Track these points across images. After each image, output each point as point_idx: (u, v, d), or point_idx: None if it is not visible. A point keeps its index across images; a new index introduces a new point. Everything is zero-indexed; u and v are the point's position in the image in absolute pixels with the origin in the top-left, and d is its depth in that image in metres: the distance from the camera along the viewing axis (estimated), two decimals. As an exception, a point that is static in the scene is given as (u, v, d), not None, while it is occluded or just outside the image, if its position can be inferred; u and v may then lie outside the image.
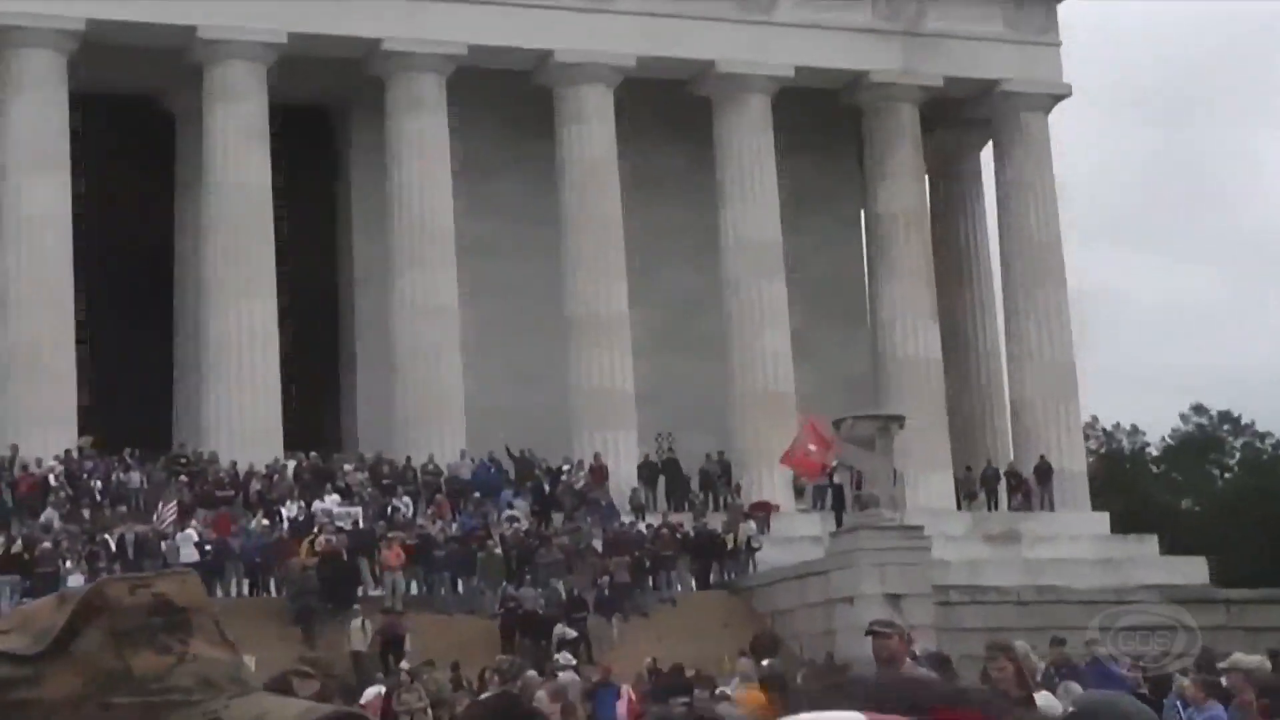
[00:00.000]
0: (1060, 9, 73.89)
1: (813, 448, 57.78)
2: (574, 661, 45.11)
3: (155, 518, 56.92)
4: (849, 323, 73.78)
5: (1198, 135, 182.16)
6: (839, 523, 57.23)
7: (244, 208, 64.58)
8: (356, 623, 50.16)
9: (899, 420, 55.75)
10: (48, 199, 63.25)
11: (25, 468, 59.43)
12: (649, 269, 68.65)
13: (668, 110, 70.10)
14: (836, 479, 60.26)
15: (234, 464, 61.25)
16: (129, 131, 69.00)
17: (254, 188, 64.82)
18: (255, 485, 60.51)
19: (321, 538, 55.96)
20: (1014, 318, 73.37)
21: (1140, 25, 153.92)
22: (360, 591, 54.87)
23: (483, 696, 26.21)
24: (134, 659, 1.67)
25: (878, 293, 72.68)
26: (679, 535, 60.31)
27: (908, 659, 21.39)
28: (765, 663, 46.08)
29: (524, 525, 59.68)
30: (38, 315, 62.44)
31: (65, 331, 63.04)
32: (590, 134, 67.96)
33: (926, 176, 74.54)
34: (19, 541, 54.53)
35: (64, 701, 1.66)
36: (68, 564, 53.14)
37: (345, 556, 55.14)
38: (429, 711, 34.20)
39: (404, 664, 42.60)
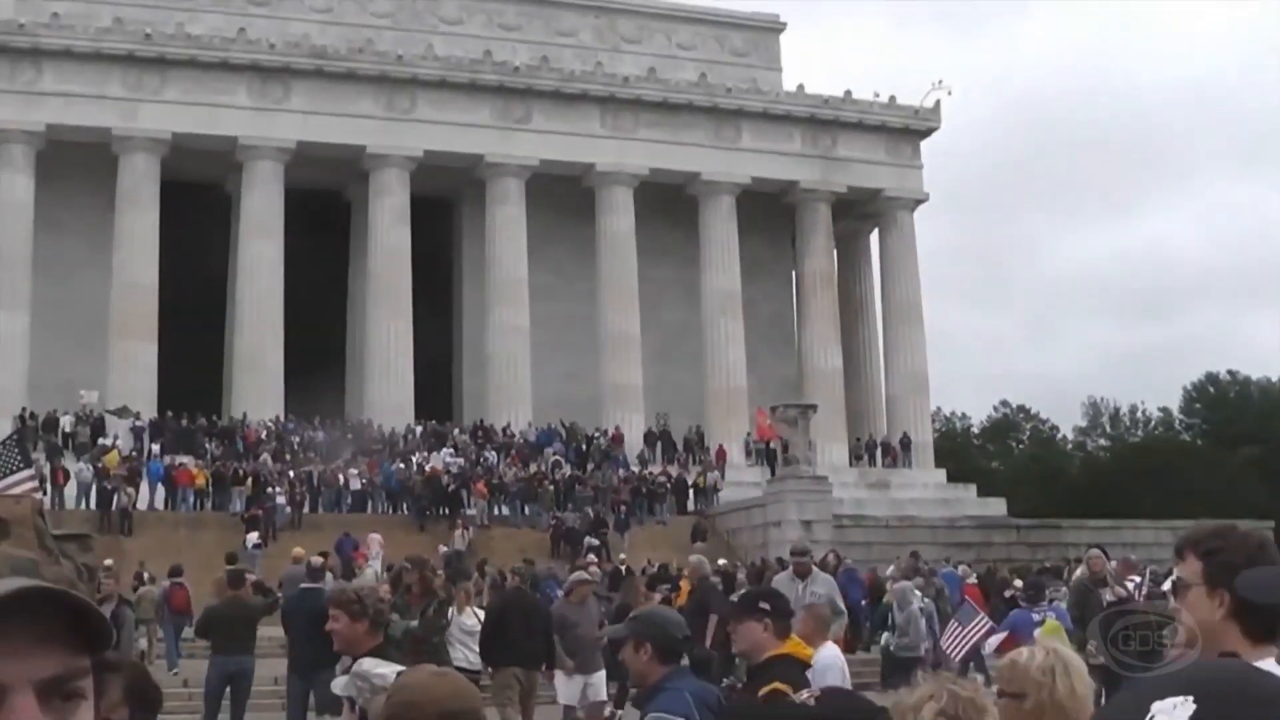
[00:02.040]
0: (923, 144, 75.96)
1: (763, 424, 61.20)
2: (596, 560, 45.33)
3: (329, 461, 59.36)
4: (783, 345, 75.75)
5: (1001, 220, 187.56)
6: (773, 474, 59.24)
7: (391, 263, 66.84)
8: (458, 532, 52.41)
9: (813, 408, 57.48)
10: (266, 255, 65.55)
11: (249, 427, 61.78)
12: (653, 307, 70.54)
13: (668, 204, 72.00)
14: (772, 445, 61.70)
15: (381, 427, 63.29)
16: (319, 213, 70.34)
17: (398, 250, 66.95)
18: (396, 442, 62.28)
19: (428, 466, 59.00)
20: (889, 343, 75.78)
21: (974, 148, 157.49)
22: (461, 511, 56.62)
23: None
24: None
25: (803, 326, 74.76)
26: (668, 479, 62.37)
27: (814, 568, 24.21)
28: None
29: (567, 471, 61.53)
30: (257, 329, 64.80)
31: (275, 339, 64.84)
32: (618, 220, 70.22)
33: (835, 250, 76.29)
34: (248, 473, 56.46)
35: None
36: (276, 489, 55.40)
37: (444, 482, 57.41)
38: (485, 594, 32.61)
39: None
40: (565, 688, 21.57)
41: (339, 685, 6.87)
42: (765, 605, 8.83)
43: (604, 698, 22.52)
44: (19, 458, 29.43)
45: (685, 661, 9.03)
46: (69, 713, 1.73)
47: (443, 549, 51.19)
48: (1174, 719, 1.68)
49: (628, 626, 8.32)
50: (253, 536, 50.42)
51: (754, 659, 8.79)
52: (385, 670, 6.48)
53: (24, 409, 60.54)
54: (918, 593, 30.43)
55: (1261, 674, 1.87)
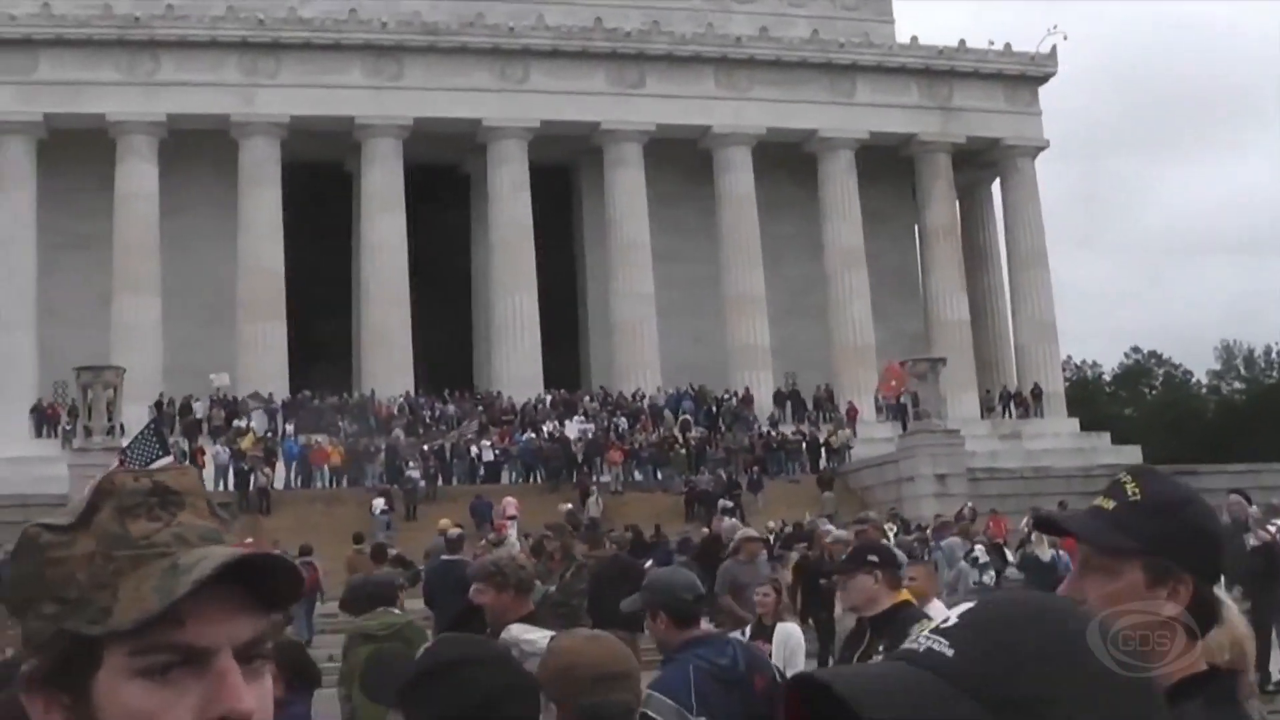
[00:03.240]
0: (1041, 90, 75.20)
1: (893, 381, 61.09)
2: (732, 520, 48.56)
3: (459, 434, 59.85)
4: (908, 298, 75.02)
5: (1117, 166, 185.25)
6: (905, 428, 58.18)
7: (513, 234, 66.76)
8: (592, 498, 52.22)
9: (942, 361, 57.54)
10: (388, 231, 65.84)
11: (380, 403, 62.24)
12: (776, 265, 70.14)
13: (786, 160, 71.34)
14: (902, 400, 60.22)
15: (511, 398, 63.29)
16: (439, 187, 70.92)
17: (519, 221, 66.94)
18: (526, 412, 62.30)
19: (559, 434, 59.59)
20: (1016, 292, 74.86)
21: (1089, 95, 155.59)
22: (595, 478, 56.92)
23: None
24: (132, 525, 1.75)
25: (927, 278, 74.20)
26: (801, 438, 62.32)
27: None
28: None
29: (699, 434, 61.44)
30: (383, 306, 65.05)
31: (402, 315, 65.14)
32: (736, 179, 69.66)
33: (956, 201, 75.61)
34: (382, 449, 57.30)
35: (84, 556, 1.74)
36: (409, 462, 55.77)
37: (574, 449, 58.13)
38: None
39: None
40: None
41: None
42: (874, 558, 8.90)
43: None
44: (158, 446, 29.80)
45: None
46: (257, 674, 1.80)
47: (563, 507, 51.90)
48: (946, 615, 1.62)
49: (640, 597, 8.09)
50: (379, 502, 51.23)
51: (869, 611, 8.83)
52: (534, 636, 6.55)
53: (161, 394, 61.33)
54: (968, 547, 29.94)
55: (1052, 597, 1.89)
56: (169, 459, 25.90)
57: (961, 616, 1.68)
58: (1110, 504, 3.31)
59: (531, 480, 57.43)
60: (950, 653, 1.64)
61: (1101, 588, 3.23)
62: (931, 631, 1.69)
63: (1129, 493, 3.31)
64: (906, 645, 1.68)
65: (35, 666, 1.79)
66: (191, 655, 1.74)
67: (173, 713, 1.72)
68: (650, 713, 7.00)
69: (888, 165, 74.10)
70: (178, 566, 1.75)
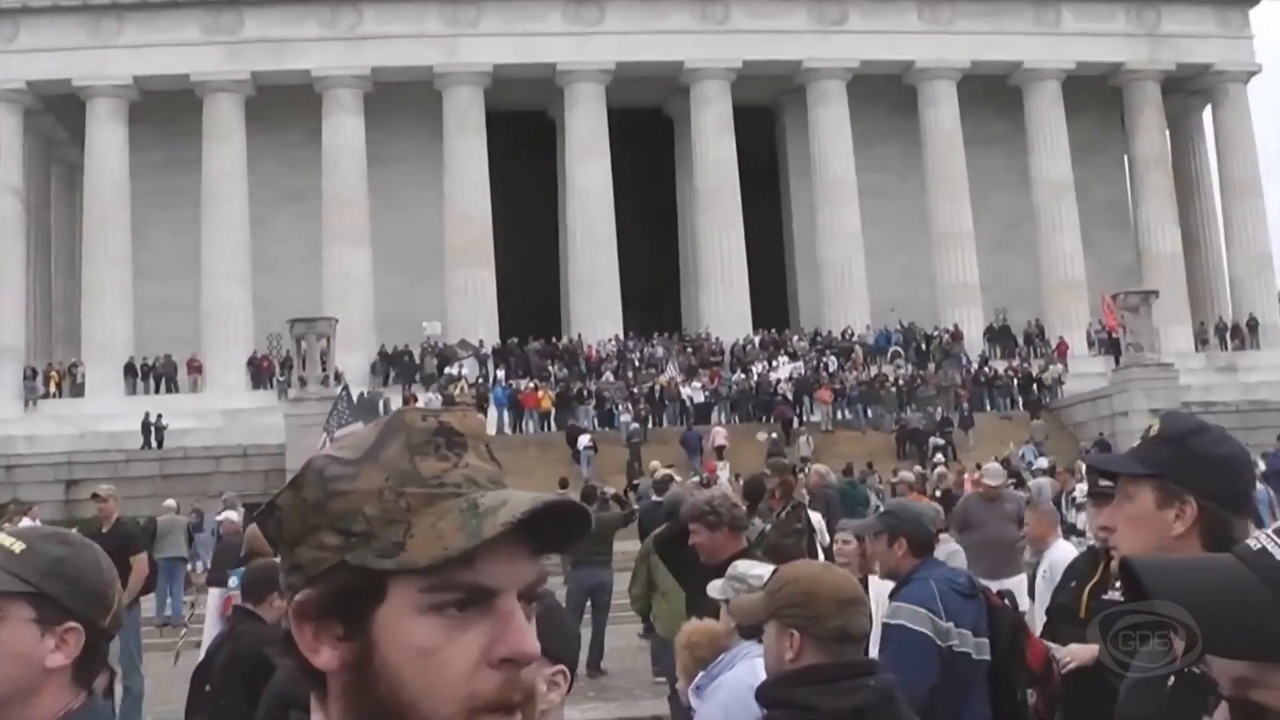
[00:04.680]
0: (1251, 12, 73.02)
1: (1108, 314, 60.07)
2: (944, 460, 46.74)
3: (666, 375, 60.02)
4: (1119, 230, 73.20)
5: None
6: (1117, 363, 57.49)
7: (718, 175, 66.35)
8: (803, 439, 52.02)
9: (1155, 294, 56.49)
10: (593, 176, 65.64)
11: (589, 347, 62.54)
12: (983, 198, 68.97)
13: (991, 93, 70.36)
14: (1114, 334, 60.23)
15: (719, 339, 63.20)
16: (642, 130, 71.02)
17: (723, 161, 66.38)
18: (735, 352, 62.38)
19: (769, 375, 59.69)
20: (1229, 222, 72.87)
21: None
22: (804, 418, 57.17)
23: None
24: (421, 463, 1.77)
25: (1138, 210, 72.32)
26: (1012, 374, 61.75)
27: None
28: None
29: (908, 371, 61.35)
30: (589, 250, 65.04)
31: (609, 259, 65.07)
32: (941, 114, 68.68)
33: (1167, 130, 73.59)
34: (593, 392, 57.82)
35: (372, 490, 1.76)
36: (618, 406, 56.34)
37: (782, 389, 58.21)
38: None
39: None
40: None
41: (715, 589, 6.74)
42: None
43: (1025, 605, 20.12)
44: (347, 411, 30.33)
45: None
46: (530, 614, 1.81)
47: (761, 436, 52.07)
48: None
49: (880, 521, 8.44)
50: (584, 439, 52.09)
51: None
52: (761, 571, 6.31)
53: (381, 346, 62.72)
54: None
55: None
56: (357, 425, 26.29)
57: None
58: (1139, 440, 3.84)
59: (741, 421, 57.12)
60: None
61: (1124, 512, 3.72)
62: (1275, 531, 1.64)
63: (1152, 429, 3.85)
64: (1244, 542, 1.66)
65: (309, 595, 1.80)
66: (479, 595, 1.76)
67: (458, 651, 1.74)
68: (902, 621, 7.43)
69: (1095, 95, 72.52)
70: (479, 507, 1.76)
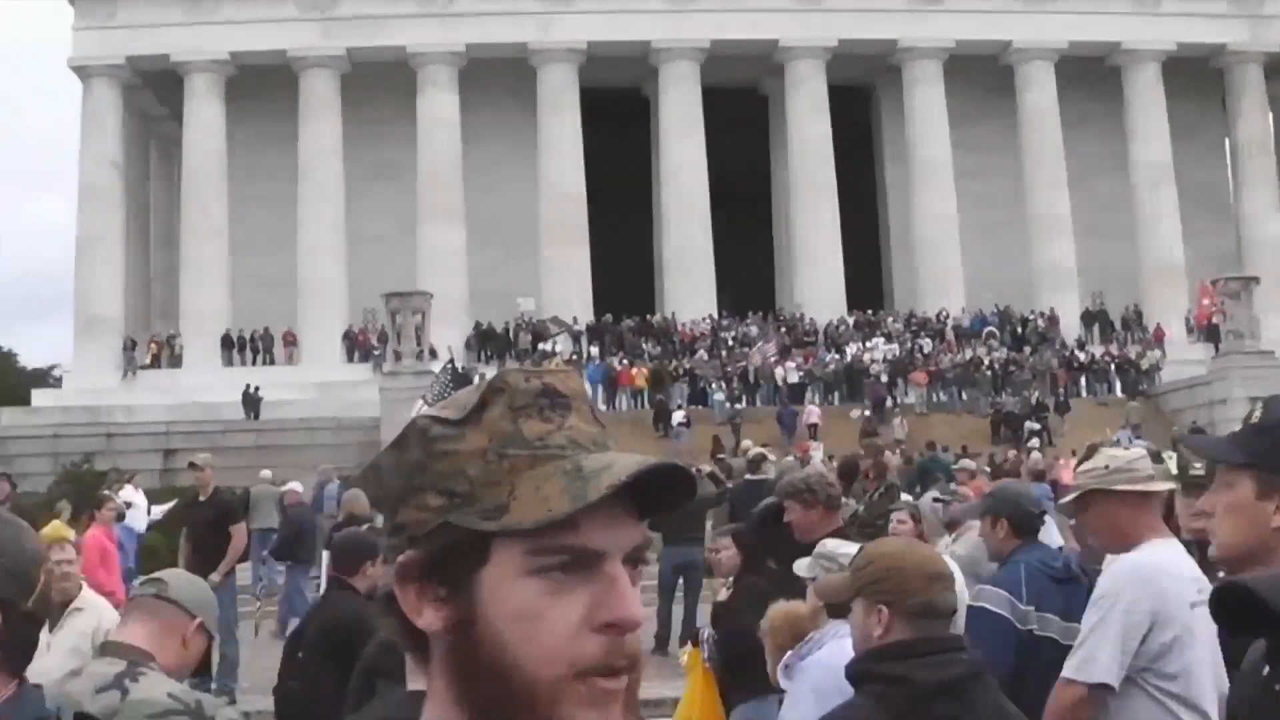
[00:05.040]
0: None
1: (1205, 301, 59.49)
2: (1038, 444, 46.39)
3: (759, 355, 59.35)
4: (1218, 215, 72.16)
5: None
6: (1217, 350, 56.56)
7: (812, 154, 66.08)
8: (897, 421, 51.95)
9: (1255, 280, 55.86)
10: (687, 154, 65.58)
11: (682, 325, 62.46)
12: (1080, 182, 68.01)
13: (1089, 75, 69.61)
14: (1213, 320, 58.95)
15: (813, 319, 63.10)
16: (737, 108, 70.50)
17: (818, 141, 66.12)
18: (828, 333, 62.12)
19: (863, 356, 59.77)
20: None
21: None
22: (898, 400, 56.96)
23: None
24: (525, 425, 1.76)
25: (1239, 194, 71.51)
26: (1109, 360, 61.25)
27: None
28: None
29: (1003, 354, 60.50)
30: (684, 228, 65.06)
31: (703, 237, 65.08)
32: (1039, 95, 67.95)
33: (1270, 112, 72.59)
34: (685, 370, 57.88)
35: (475, 451, 1.76)
36: (711, 384, 56.43)
37: (876, 371, 57.97)
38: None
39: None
40: None
41: (802, 567, 6.70)
42: None
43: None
44: (451, 384, 30.31)
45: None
46: (635, 580, 1.81)
47: (855, 413, 51.85)
48: None
49: (983, 503, 8.67)
50: (678, 415, 52.37)
51: None
52: (849, 549, 6.16)
53: (475, 322, 63.19)
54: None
55: None
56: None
57: None
58: (1239, 426, 3.70)
59: (835, 402, 56.96)
60: None
61: (1221, 499, 3.58)
62: None
63: (1253, 415, 3.69)
64: None
65: (412, 557, 1.79)
66: (583, 559, 1.74)
67: (562, 614, 1.73)
68: (983, 604, 7.42)
69: (1196, 77, 71.58)
70: (582, 470, 1.74)
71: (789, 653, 6.51)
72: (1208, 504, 3.67)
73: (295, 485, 30.18)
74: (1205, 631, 5.82)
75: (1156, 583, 6.11)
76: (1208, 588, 5.17)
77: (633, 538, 1.79)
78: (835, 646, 5.95)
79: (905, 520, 14.07)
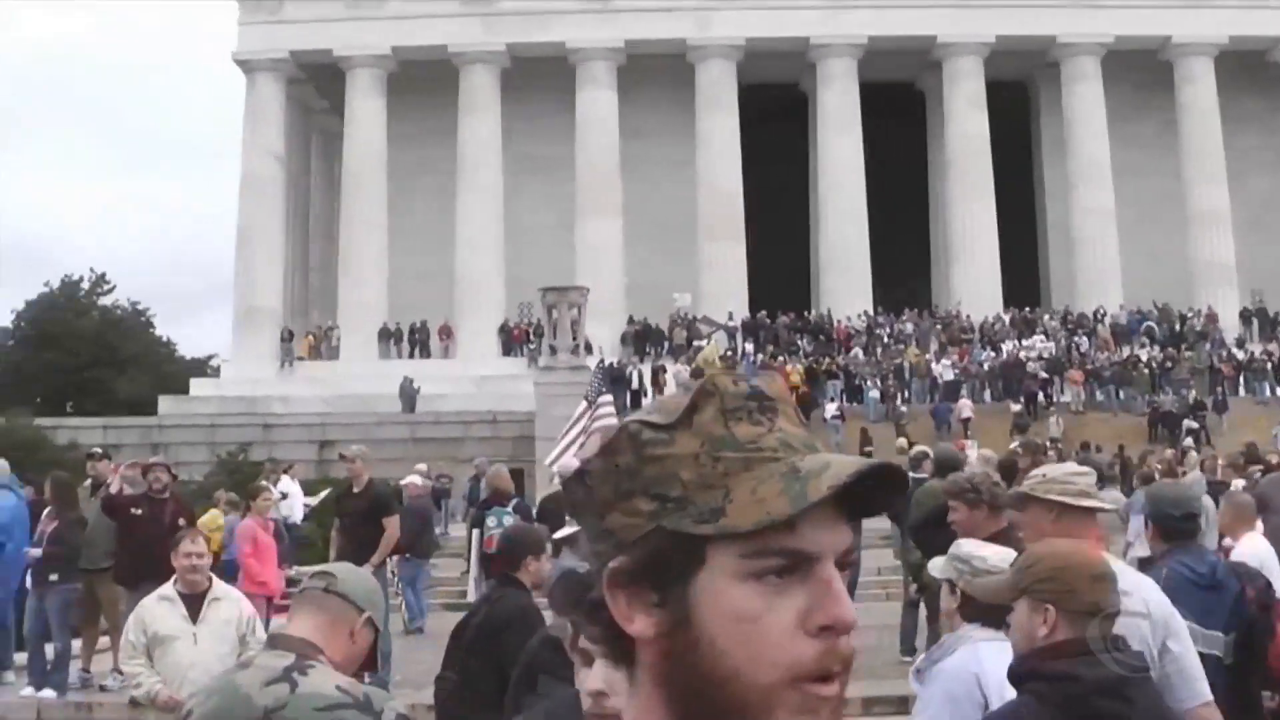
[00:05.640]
0: None
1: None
2: (1195, 444, 45.58)
3: (918, 352, 59.13)
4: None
5: None
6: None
7: (970, 150, 65.87)
8: (1053, 419, 51.83)
9: None
10: (845, 151, 65.51)
11: (839, 323, 62.37)
12: (1240, 178, 67.12)
13: (1250, 70, 68.89)
14: None
15: (969, 316, 62.73)
16: (894, 105, 70.48)
17: (975, 137, 65.89)
18: (984, 330, 61.86)
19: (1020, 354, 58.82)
20: None
21: None
22: (1055, 398, 56.24)
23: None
24: (736, 428, 1.73)
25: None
26: (1267, 358, 59.78)
27: None
28: None
29: (1156, 353, 60.07)
30: (840, 225, 64.93)
31: (860, 233, 64.98)
32: (1198, 91, 67.05)
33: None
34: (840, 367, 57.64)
35: (687, 455, 1.72)
36: (867, 382, 56.23)
37: (1032, 369, 57.16)
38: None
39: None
40: None
41: (937, 567, 6.58)
42: None
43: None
44: (601, 386, 30.47)
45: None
46: (846, 581, 1.78)
47: (1014, 406, 51.62)
48: None
49: (1142, 504, 8.53)
50: (830, 408, 52.76)
51: None
52: (986, 552, 6.18)
53: (630, 317, 63.23)
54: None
55: None
56: (610, 397, 26.74)
57: None
58: None
59: (991, 400, 56.55)
60: None
61: None
62: None
63: None
64: None
65: (624, 562, 1.76)
66: (800, 561, 1.71)
67: (778, 617, 1.70)
68: None
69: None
70: (799, 471, 1.71)
71: (921, 656, 6.62)
72: None
73: (415, 478, 30.23)
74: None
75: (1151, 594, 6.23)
76: (1129, 598, 5.56)
77: (845, 540, 1.77)
78: (967, 652, 5.98)
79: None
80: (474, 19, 65.89)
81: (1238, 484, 28.77)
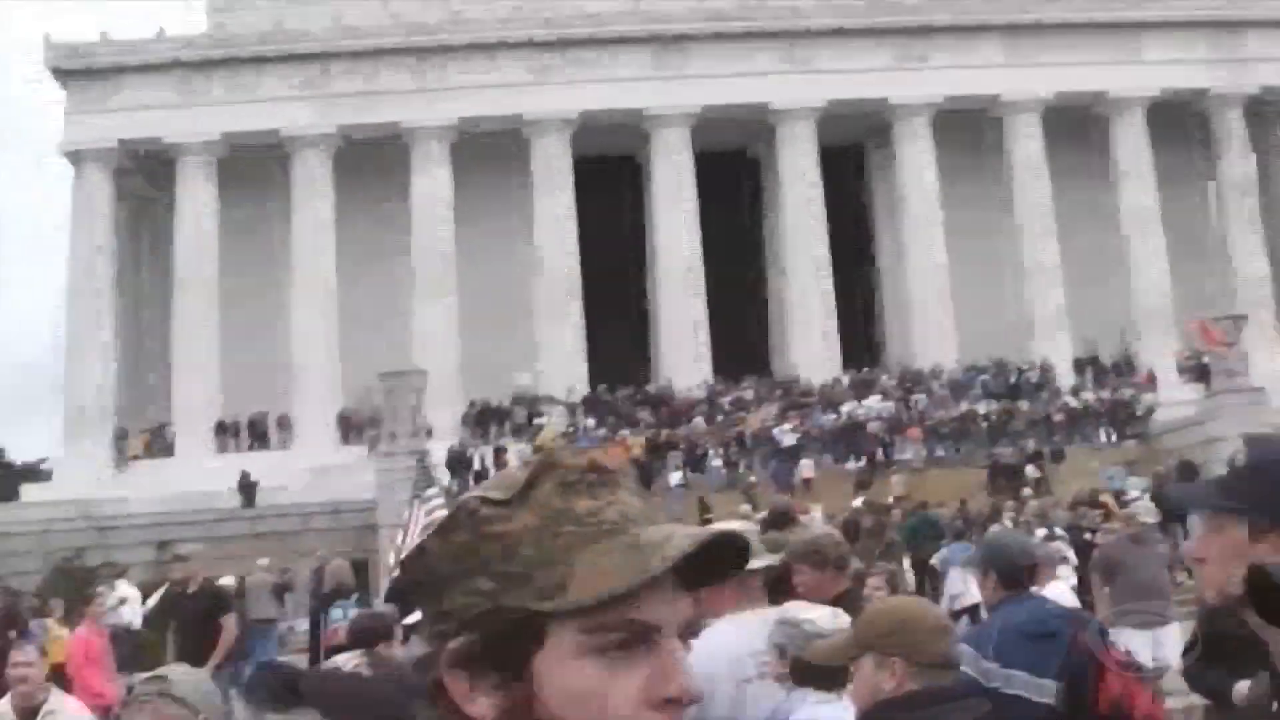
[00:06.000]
0: None
1: (1203, 335, 58.71)
2: (1033, 492, 45.55)
3: (758, 419, 59.07)
4: (1205, 257, 71.72)
5: None
6: (1208, 389, 56.40)
7: (806, 214, 66.02)
8: (895, 477, 50.84)
9: (1243, 319, 55.85)
10: (681, 219, 65.59)
11: (678, 393, 62.16)
12: (1069, 230, 67.83)
13: (1075, 124, 69.54)
14: (1204, 360, 58.87)
15: (809, 380, 62.79)
16: (729, 172, 70.53)
17: (809, 201, 66.09)
18: (824, 393, 61.63)
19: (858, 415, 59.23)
20: None
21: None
22: (893, 456, 56.39)
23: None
24: (575, 502, 1.74)
25: (1225, 234, 71.33)
26: (1102, 405, 60.94)
27: None
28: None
29: (996, 406, 60.26)
30: (678, 295, 65.04)
31: (697, 303, 64.95)
32: (1026, 147, 67.94)
33: (1253, 155, 72.49)
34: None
35: (527, 530, 1.72)
36: (709, 451, 56.30)
37: (872, 428, 57.62)
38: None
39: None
40: (1130, 645, 16.59)
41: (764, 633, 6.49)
42: None
43: (1170, 661, 16.68)
44: (425, 479, 30.47)
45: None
46: (686, 653, 1.80)
47: (850, 466, 52.02)
48: None
49: (978, 554, 8.77)
50: (674, 477, 52.84)
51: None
52: (814, 615, 6.18)
53: (471, 400, 62.67)
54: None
55: None
56: (436, 489, 26.83)
57: None
58: (1225, 470, 3.30)
59: (833, 462, 56.73)
60: None
61: (1215, 545, 3.49)
62: None
63: (1237, 457, 4.69)
64: None
65: (464, 643, 1.75)
66: (642, 634, 1.72)
67: (622, 691, 1.70)
68: None
69: (1179, 122, 71.60)
70: (640, 543, 1.73)
71: None
72: (1200, 550, 3.59)
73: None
74: (763, 706, 6.05)
75: (701, 666, 5.92)
76: (765, 661, 5.83)
77: (685, 611, 1.77)
78: (807, 715, 5.92)
79: (881, 586, 14.41)
80: (306, 101, 65.13)
81: (1040, 533, 29.36)
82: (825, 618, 6.04)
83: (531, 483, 1.79)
